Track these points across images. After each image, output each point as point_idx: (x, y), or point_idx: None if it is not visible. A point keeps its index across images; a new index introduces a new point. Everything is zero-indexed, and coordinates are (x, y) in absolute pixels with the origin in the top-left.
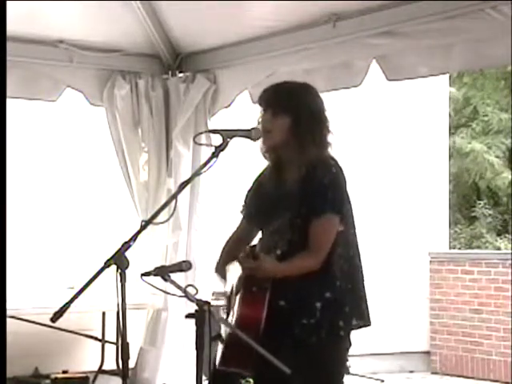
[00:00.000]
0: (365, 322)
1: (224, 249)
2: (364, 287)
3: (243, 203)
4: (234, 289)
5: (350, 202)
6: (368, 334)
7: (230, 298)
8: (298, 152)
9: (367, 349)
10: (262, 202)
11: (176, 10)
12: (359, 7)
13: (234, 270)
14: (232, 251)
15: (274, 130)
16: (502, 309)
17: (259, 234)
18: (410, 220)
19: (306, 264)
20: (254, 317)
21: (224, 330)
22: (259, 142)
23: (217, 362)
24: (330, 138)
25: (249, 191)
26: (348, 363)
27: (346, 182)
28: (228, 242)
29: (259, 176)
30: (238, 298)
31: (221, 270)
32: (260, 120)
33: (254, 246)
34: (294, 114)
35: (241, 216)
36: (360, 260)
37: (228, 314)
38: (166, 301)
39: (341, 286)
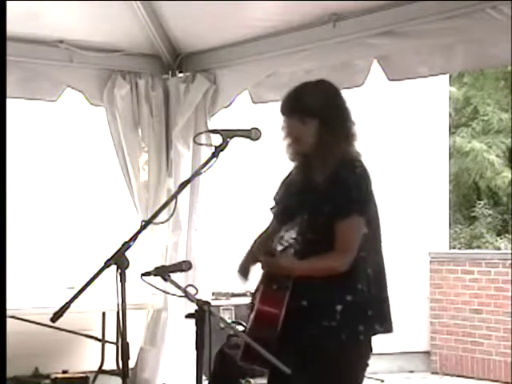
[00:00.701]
0: (386, 328)
1: (252, 246)
2: (387, 293)
3: (273, 201)
4: (258, 285)
5: (375, 204)
6: None
7: (254, 295)
8: (324, 152)
9: None
10: (287, 200)
11: (176, 10)
12: (359, 7)
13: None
14: (259, 248)
15: (303, 137)
16: (502, 309)
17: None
18: (410, 220)
19: (330, 265)
20: (272, 314)
21: (245, 327)
22: (285, 146)
23: (238, 358)
24: (354, 129)
25: (278, 189)
26: None
27: (371, 182)
28: (257, 239)
29: (288, 175)
30: (258, 294)
31: (243, 270)
32: (285, 127)
33: (273, 242)
34: (319, 117)
35: (270, 214)
36: (384, 266)
37: (252, 311)
38: (165, 301)
39: (363, 289)
